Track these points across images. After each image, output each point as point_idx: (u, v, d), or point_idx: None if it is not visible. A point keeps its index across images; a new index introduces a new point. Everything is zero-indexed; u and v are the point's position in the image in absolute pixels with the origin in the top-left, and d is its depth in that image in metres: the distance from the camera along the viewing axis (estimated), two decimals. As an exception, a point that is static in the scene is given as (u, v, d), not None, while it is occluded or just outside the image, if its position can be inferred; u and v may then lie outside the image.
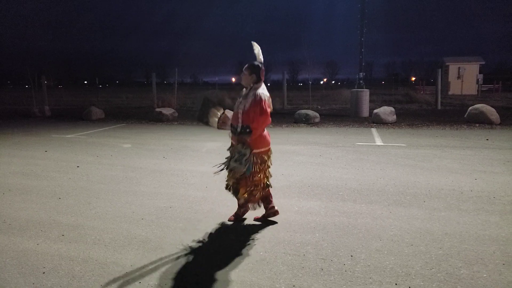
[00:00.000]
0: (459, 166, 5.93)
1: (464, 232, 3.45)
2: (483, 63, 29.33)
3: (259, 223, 3.77)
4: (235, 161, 3.43)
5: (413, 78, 57.79)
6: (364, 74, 14.54)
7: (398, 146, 7.81)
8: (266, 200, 3.75)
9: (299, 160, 6.57)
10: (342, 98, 20.72)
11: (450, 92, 27.15)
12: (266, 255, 3.10)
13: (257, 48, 3.64)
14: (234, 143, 3.59)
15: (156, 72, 19.41)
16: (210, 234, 3.54)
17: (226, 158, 3.65)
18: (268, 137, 3.61)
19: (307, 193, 4.71)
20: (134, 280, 2.74)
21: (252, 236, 3.46)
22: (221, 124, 3.76)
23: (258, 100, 3.39)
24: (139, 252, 3.18)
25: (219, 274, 2.81)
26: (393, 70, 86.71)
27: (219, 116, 3.79)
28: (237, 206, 3.87)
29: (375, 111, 11.79)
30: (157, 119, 13.02)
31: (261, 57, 3.62)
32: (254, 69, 3.50)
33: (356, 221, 3.76)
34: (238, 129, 3.49)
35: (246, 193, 3.52)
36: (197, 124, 12.24)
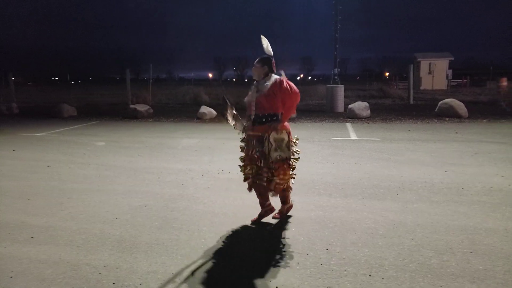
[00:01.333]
0: (431, 159, 6.10)
1: (435, 222, 3.56)
2: (452, 59, 30.22)
3: (235, 219, 3.76)
4: (275, 150, 3.40)
5: (387, 74, 58.95)
6: (339, 70, 14.74)
7: (372, 140, 7.95)
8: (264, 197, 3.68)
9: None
10: (318, 94, 20.90)
11: (422, 87, 27.86)
12: (242, 251, 3.11)
13: (265, 42, 3.63)
14: (257, 133, 3.50)
15: (130, 68, 19.05)
16: (187, 232, 3.50)
17: (242, 153, 3.63)
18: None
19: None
20: (108, 281, 2.69)
21: (228, 233, 3.46)
22: (235, 125, 3.77)
23: (282, 82, 3.42)
24: (113, 253, 3.12)
25: (195, 272, 2.79)
26: (367, 66, 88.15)
27: (233, 115, 3.77)
28: (281, 204, 3.75)
29: (350, 106, 11.97)
30: (132, 116, 12.79)
31: (270, 50, 3.61)
32: (266, 61, 3.53)
33: (332, 215, 3.81)
34: (261, 119, 3.46)
35: (288, 180, 3.54)
36: (172, 121, 12.11)
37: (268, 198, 3.66)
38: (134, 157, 6.72)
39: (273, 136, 3.42)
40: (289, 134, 3.49)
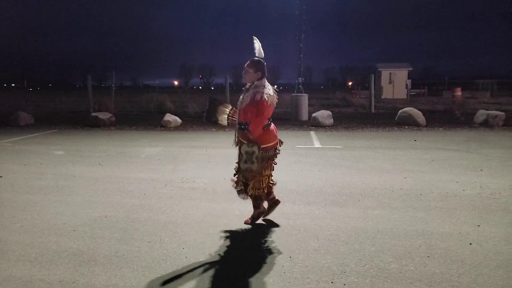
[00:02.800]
0: (391, 166, 6.29)
1: (395, 228, 3.66)
2: (411, 69, 31.54)
3: (198, 229, 3.71)
4: (245, 162, 3.45)
5: (350, 83, 60.65)
6: (303, 79, 14.98)
7: (335, 148, 8.12)
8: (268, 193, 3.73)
9: (240, 164, 6.58)
10: (283, 102, 21.06)
11: (383, 96, 28.84)
12: (206, 262, 3.06)
13: (258, 44, 3.56)
14: (241, 139, 3.58)
15: (92, 74, 18.56)
16: (148, 243, 3.41)
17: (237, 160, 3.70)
18: (273, 131, 3.58)
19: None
20: (63, 296, 2.57)
21: (192, 243, 3.40)
22: (232, 120, 3.73)
23: (257, 100, 3.33)
24: (70, 266, 2.99)
25: (156, 284, 2.72)
26: (331, 75, 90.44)
27: (227, 113, 3.73)
28: (253, 208, 3.80)
29: (314, 114, 12.18)
30: (93, 124, 12.39)
31: (262, 52, 3.54)
32: (259, 66, 3.43)
33: (295, 222, 3.83)
34: (241, 126, 3.53)
35: (256, 189, 3.57)
36: (135, 129, 11.85)
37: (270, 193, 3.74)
38: (94, 167, 6.50)
39: (244, 148, 3.47)
40: (260, 148, 3.45)
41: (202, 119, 14.26)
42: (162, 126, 12.15)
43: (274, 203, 3.79)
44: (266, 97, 3.34)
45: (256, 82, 3.44)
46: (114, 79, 17.96)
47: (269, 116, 3.51)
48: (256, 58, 3.50)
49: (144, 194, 4.87)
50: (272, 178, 3.70)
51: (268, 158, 3.57)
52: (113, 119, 12.93)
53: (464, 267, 2.90)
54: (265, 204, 3.83)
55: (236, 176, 3.76)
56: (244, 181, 3.65)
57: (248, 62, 3.46)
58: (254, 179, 3.54)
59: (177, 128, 12.07)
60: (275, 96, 3.51)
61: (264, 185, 3.60)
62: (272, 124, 3.62)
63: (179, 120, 12.54)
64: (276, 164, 3.76)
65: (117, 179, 5.62)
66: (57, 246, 3.36)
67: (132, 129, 11.88)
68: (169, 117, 12.44)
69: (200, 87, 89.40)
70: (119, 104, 18.51)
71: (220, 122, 3.79)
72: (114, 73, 17.76)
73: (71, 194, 4.92)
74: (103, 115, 12.77)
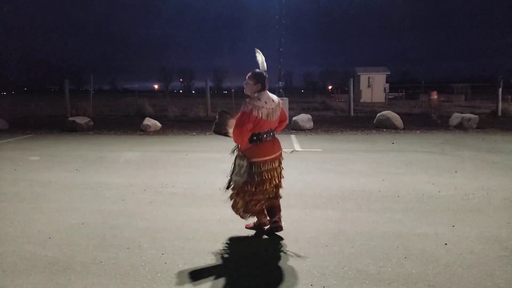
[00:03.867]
0: (369, 168, 6.39)
1: (373, 230, 3.71)
2: (389, 73, 32.16)
3: (177, 234, 3.68)
4: (236, 174, 3.42)
5: (330, 87, 61.33)
6: (283, 83, 15.09)
7: (315, 151, 8.19)
8: (271, 213, 3.59)
9: (221, 168, 6.55)
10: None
11: (361, 100, 29.30)
12: (186, 267, 3.04)
13: (261, 57, 3.53)
14: (240, 152, 3.51)
15: (70, 78, 18.25)
16: (127, 249, 3.36)
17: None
18: (266, 146, 3.41)
19: (229, 201, 4.70)
20: (37, 306, 2.50)
21: (171, 249, 3.37)
22: None
23: (241, 113, 3.32)
24: (45, 275, 2.91)
25: (135, 291, 2.68)
26: (311, 79, 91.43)
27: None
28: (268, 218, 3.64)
29: (294, 118, 12.27)
30: (71, 129, 12.15)
31: (265, 65, 3.52)
32: (260, 78, 3.35)
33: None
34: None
35: (242, 206, 3.47)
36: (114, 134, 11.67)
37: (268, 215, 3.61)
38: (71, 172, 6.36)
39: (237, 160, 3.46)
40: (249, 161, 3.35)
41: (182, 123, 14.23)
42: (141, 130, 12.01)
43: (275, 228, 3.54)
44: (255, 111, 3.28)
45: (255, 94, 3.38)
46: (92, 83, 17.69)
47: (262, 130, 3.37)
48: (257, 70, 3.45)
49: (122, 200, 4.79)
50: (257, 202, 3.44)
51: (259, 174, 3.38)
52: (91, 123, 12.72)
53: (439, 267, 2.97)
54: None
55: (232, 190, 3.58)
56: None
57: (249, 73, 3.40)
58: (236, 196, 3.48)
59: (156, 132, 11.95)
60: (278, 109, 3.46)
61: (249, 204, 3.43)
62: (270, 139, 3.45)
63: (158, 124, 12.43)
64: (273, 183, 3.49)
65: (95, 185, 5.52)
66: (31, 254, 3.28)
67: (111, 134, 11.69)
68: (148, 121, 12.31)
69: (181, 91, 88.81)
70: (98, 108, 18.22)
71: (229, 134, 3.71)
72: (92, 76, 17.49)
73: (46, 201, 4.80)
74: (81, 120, 12.54)
